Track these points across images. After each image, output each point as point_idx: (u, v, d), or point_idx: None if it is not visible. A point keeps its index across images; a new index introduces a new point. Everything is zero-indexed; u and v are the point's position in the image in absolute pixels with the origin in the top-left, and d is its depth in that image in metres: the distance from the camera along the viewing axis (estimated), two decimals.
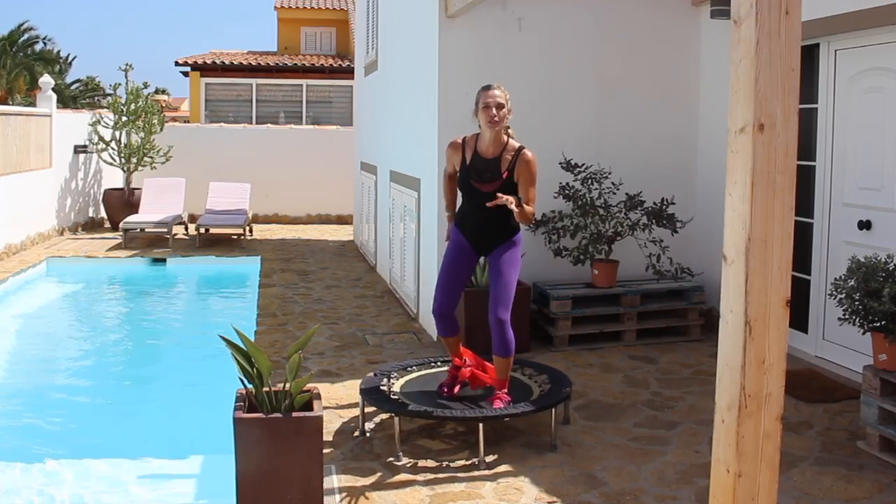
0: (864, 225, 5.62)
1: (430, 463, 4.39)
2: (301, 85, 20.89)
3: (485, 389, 4.88)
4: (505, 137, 4.66)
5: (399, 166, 8.60)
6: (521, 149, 4.65)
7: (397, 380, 5.02)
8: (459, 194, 4.91)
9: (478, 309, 5.66)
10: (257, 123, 19.27)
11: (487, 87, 4.62)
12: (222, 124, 16.26)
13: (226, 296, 10.36)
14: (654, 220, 6.67)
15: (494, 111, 4.54)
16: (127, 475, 4.74)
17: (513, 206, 4.44)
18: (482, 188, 4.62)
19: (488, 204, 4.49)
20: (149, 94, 14.68)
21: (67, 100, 31.09)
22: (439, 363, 5.32)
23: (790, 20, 2.30)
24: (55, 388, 6.53)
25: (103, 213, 14.06)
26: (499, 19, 6.83)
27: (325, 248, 12.21)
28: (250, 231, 12.87)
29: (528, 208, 4.57)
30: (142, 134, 13.80)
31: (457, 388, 4.87)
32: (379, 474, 4.25)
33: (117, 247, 11.76)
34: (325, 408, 4.52)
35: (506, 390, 4.74)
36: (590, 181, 6.72)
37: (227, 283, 10.74)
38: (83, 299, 10.07)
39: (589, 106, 7.12)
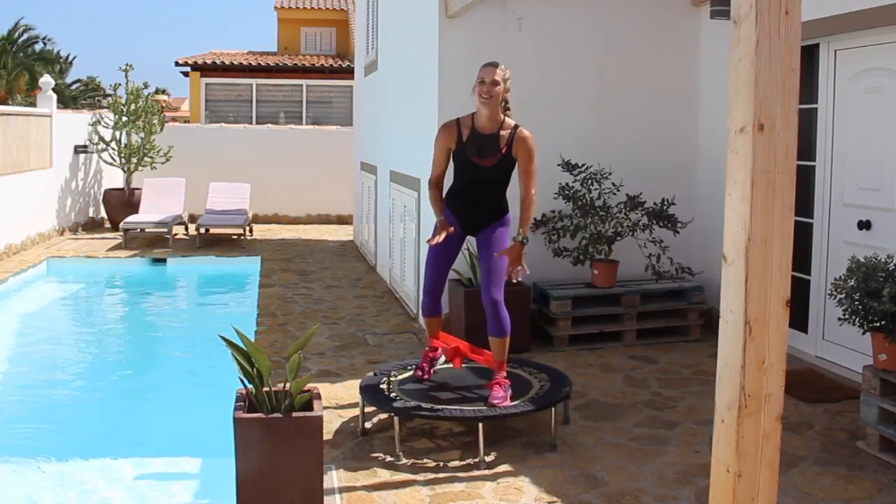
0: (864, 225, 5.62)
1: (430, 463, 4.39)
2: (301, 85, 20.89)
3: (477, 375, 4.90)
4: (501, 115, 4.74)
5: (399, 166, 8.60)
6: (517, 126, 4.75)
7: (397, 379, 5.02)
8: (449, 178, 4.93)
9: (478, 309, 5.65)
10: (257, 123, 19.27)
11: (487, 64, 4.72)
12: (222, 124, 16.25)
13: (226, 296, 10.36)
14: (654, 221, 6.67)
15: (488, 86, 4.62)
16: (127, 475, 4.74)
17: (523, 247, 4.67)
18: (482, 163, 4.69)
19: (515, 279, 4.68)
20: (149, 94, 14.69)
21: (68, 100, 31.09)
22: (442, 354, 5.31)
23: (790, 20, 2.30)
24: (55, 387, 6.52)
25: (103, 213, 14.06)
26: (499, 19, 6.83)
27: (325, 248, 12.21)
28: (250, 231, 12.87)
29: (527, 205, 4.71)
30: (142, 134, 13.80)
31: (433, 370, 5.00)
32: (379, 474, 4.26)
33: (117, 247, 11.76)
34: (325, 408, 4.52)
35: (504, 374, 4.76)
36: (589, 181, 6.72)
37: (227, 283, 10.74)
38: (83, 299, 10.07)
39: (589, 106, 7.12)
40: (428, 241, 4.84)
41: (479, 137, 4.72)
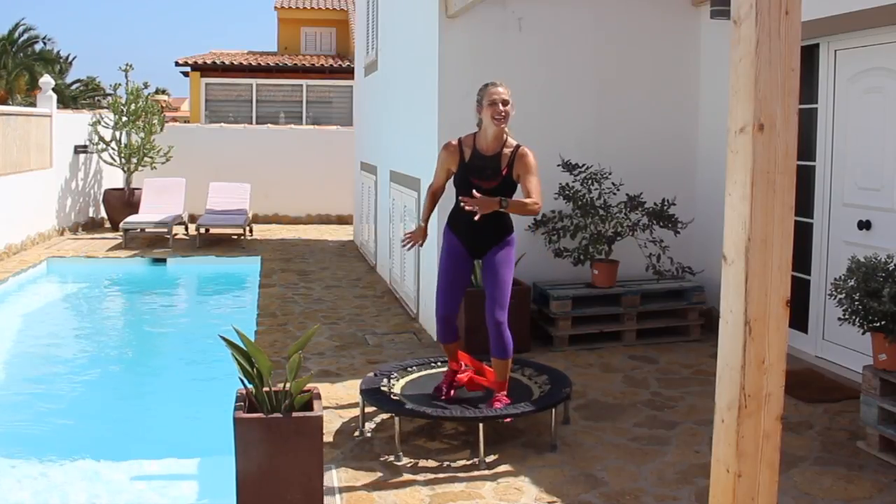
0: (864, 225, 5.62)
1: (430, 463, 4.39)
2: (301, 85, 20.89)
3: (483, 391, 4.89)
4: (504, 135, 4.68)
5: (399, 166, 8.60)
6: (518, 146, 4.67)
7: (397, 380, 5.02)
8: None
9: (478, 310, 5.64)
10: (257, 123, 19.27)
11: (494, 84, 4.63)
12: (222, 124, 16.26)
13: (226, 296, 10.36)
14: (654, 221, 6.67)
15: (501, 107, 4.55)
16: (127, 475, 4.74)
17: (498, 207, 4.48)
18: (482, 185, 4.59)
19: (465, 207, 4.43)
20: (149, 94, 14.69)
21: (68, 100, 31.06)
22: (439, 363, 5.32)
23: (790, 20, 2.30)
24: (55, 388, 6.52)
25: (103, 213, 14.06)
26: (499, 19, 6.83)
27: (325, 248, 12.21)
28: (250, 231, 12.87)
29: (528, 200, 4.55)
30: (142, 134, 13.80)
31: (452, 392, 4.89)
32: (379, 474, 4.26)
33: (117, 247, 11.76)
34: (325, 408, 4.52)
35: (505, 392, 4.74)
36: (590, 181, 6.72)
37: (227, 283, 10.73)
38: (83, 299, 10.07)
39: (589, 106, 7.13)
40: (402, 243, 5.02)
41: (480, 158, 4.65)
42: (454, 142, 4.77)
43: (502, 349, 4.66)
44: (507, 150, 4.65)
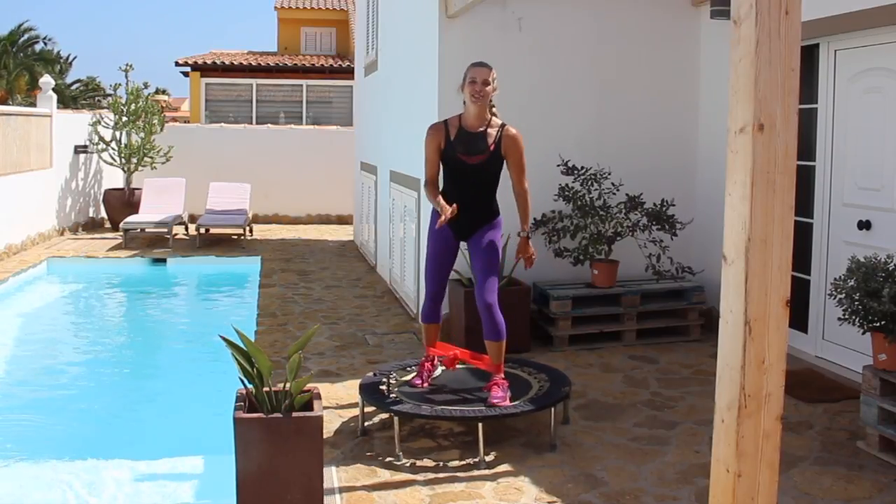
0: (864, 225, 5.62)
1: (430, 463, 4.39)
2: (301, 85, 20.90)
3: (476, 376, 4.91)
4: (489, 115, 4.80)
5: (399, 166, 8.60)
6: (503, 125, 4.80)
7: (397, 380, 5.03)
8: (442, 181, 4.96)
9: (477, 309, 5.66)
10: (257, 123, 19.27)
11: (477, 64, 4.77)
12: (222, 124, 16.25)
13: (226, 296, 10.36)
14: (653, 222, 6.67)
15: (479, 86, 4.67)
16: (127, 475, 4.74)
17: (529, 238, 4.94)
18: (469, 160, 4.74)
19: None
20: (149, 94, 14.69)
21: (68, 100, 31.07)
22: (439, 363, 5.32)
23: (790, 20, 2.30)
24: (55, 388, 6.52)
25: (103, 213, 14.06)
26: (499, 20, 6.83)
27: (325, 248, 12.21)
28: (250, 231, 12.87)
29: (523, 203, 4.88)
30: (142, 134, 13.80)
31: (429, 381, 4.97)
32: (379, 474, 4.26)
33: (117, 247, 11.76)
34: (325, 408, 4.52)
35: (502, 375, 4.77)
36: (589, 182, 6.72)
37: (227, 283, 10.73)
38: (83, 299, 10.06)
39: (589, 106, 7.12)
40: (437, 226, 4.70)
41: (466, 135, 4.78)
42: (438, 123, 4.90)
43: (495, 331, 4.72)
44: (491, 129, 4.78)
